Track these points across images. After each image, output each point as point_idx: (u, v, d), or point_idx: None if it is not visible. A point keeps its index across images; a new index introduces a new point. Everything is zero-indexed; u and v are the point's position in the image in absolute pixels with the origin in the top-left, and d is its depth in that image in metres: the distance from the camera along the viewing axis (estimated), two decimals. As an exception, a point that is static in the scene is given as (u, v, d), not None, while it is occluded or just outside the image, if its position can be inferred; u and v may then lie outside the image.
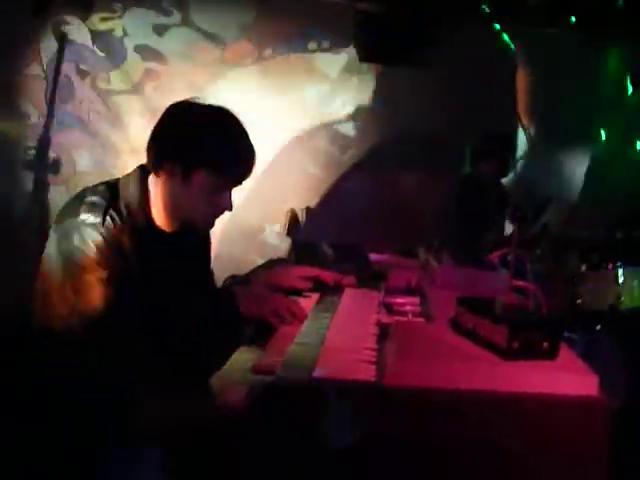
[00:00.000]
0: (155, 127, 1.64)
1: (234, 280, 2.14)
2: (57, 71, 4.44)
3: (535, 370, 1.17)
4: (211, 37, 4.73)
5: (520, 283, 1.80)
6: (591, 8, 4.92)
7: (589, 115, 5.47)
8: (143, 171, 1.66)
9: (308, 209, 4.63)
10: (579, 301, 3.75)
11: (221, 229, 4.55)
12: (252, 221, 4.85)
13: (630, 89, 5.44)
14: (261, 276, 2.10)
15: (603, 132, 5.53)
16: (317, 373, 1.27)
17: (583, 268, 3.88)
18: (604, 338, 3.54)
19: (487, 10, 4.87)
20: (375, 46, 4.29)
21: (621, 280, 3.69)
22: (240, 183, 1.72)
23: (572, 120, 5.30)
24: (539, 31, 5.16)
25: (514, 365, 1.18)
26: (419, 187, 4.93)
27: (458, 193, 4.10)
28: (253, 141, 1.68)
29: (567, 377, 1.16)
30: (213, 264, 2.03)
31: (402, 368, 1.19)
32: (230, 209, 1.72)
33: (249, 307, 1.78)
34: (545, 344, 1.18)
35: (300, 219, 4.41)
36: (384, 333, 1.48)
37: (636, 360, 3.37)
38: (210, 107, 1.68)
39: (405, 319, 1.57)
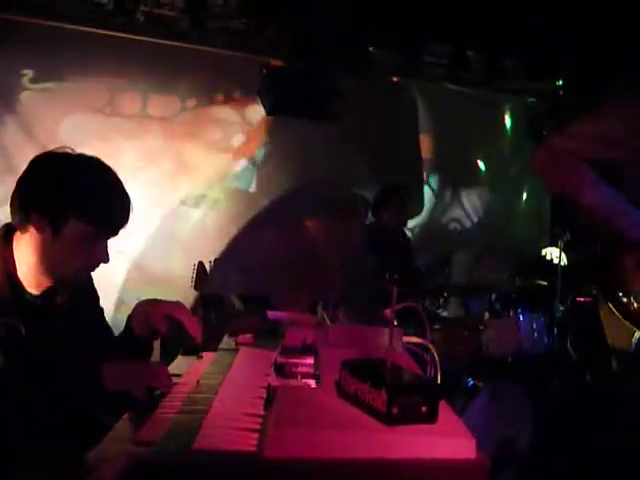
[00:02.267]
0: (20, 180, 1.58)
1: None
2: None
3: (415, 435, 1.16)
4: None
5: (413, 339, 1.82)
6: (489, 65, 5.19)
7: (490, 166, 5.72)
8: (7, 230, 1.59)
9: (216, 261, 4.57)
10: (483, 347, 3.83)
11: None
12: (159, 272, 4.75)
13: (529, 141, 5.73)
14: (137, 308, 1.95)
15: (503, 183, 5.79)
16: (196, 444, 1.22)
17: (487, 316, 3.98)
18: (509, 385, 3.60)
19: (391, 64, 5.04)
20: (281, 99, 4.35)
21: (522, 326, 3.81)
22: (116, 233, 1.68)
23: (474, 171, 5.53)
24: (440, 86, 5.38)
25: (396, 431, 1.17)
26: (324, 237, 4.98)
27: (360, 243, 4.18)
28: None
29: (445, 441, 1.16)
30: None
31: (283, 437, 1.16)
32: (106, 261, 1.67)
33: (118, 384, 1.66)
34: (424, 408, 1.18)
35: (207, 271, 4.32)
36: (272, 397, 1.44)
37: (540, 406, 3.46)
38: (80, 156, 1.64)
39: (293, 382, 1.53)
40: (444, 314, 3.96)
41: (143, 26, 4.13)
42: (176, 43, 4.32)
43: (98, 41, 4.35)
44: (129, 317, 1.85)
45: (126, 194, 1.66)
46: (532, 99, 5.67)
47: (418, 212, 4.91)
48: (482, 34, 4.62)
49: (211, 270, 4.56)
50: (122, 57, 4.40)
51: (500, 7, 4.30)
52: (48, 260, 1.57)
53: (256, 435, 1.26)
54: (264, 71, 4.24)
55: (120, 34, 4.20)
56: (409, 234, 4.74)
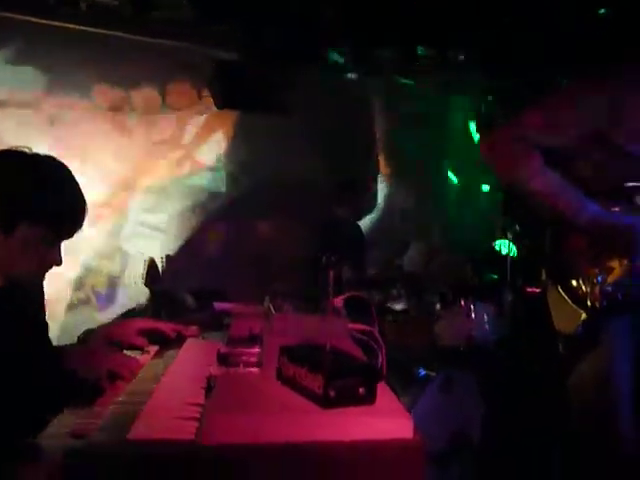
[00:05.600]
0: None
1: (85, 335, 2.04)
2: None
3: (351, 417, 1.16)
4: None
5: (359, 326, 1.82)
6: (440, 60, 5.24)
7: (442, 161, 5.79)
8: None
9: (168, 257, 4.52)
10: (436, 338, 3.87)
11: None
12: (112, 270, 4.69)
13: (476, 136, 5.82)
14: (100, 332, 2.00)
15: (455, 178, 5.86)
16: (132, 434, 1.20)
17: (438, 306, 4.02)
18: (460, 373, 3.65)
19: (342, 59, 5.05)
20: (231, 93, 4.31)
21: (473, 315, 3.86)
22: (70, 236, 1.65)
23: (427, 166, 5.58)
24: (392, 81, 5.41)
25: (333, 413, 1.17)
26: (279, 233, 4.97)
27: (315, 237, 4.18)
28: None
29: (382, 421, 1.16)
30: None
31: (218, 424, 1.15)
32: (59, 263, 1.64)
33: (79, 367, 1.67)
34: (361, 390, 1.18)
35: (159, 268, 4.27)
36: (213, 386, 1.43)
37: (491, 394, 3.51)
38: (35, 156, 1.60)
39: (235, 370, 1.52)
40: (397, 306, 3.99)
41: (87, 16, 4.03)
42: (120, 33, 4.24)
43: (42, 30, 4.25)
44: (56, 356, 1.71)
45: (81, 196, 1.63)
46: (484, 94, 5.75)
47: (372, 207, 4.92)
48: (433, 30, 4.66)
49: (163, 266, 4.53)
50: (66, 47, 4.29)
51: (451, 3, 4.35)
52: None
53: (195, 424, 1.25)
54: (214, 64, 4.20)
55: (63, 24, 4.09)
56: (363, 228, 4.75)
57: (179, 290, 4.08)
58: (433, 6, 4.35)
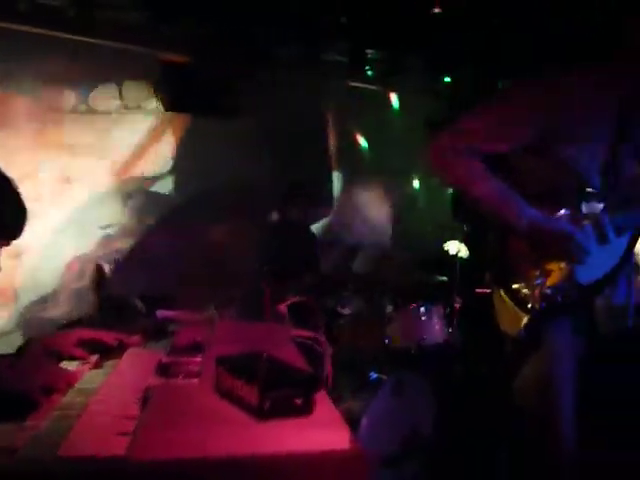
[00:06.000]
0: None
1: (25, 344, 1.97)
2: None
3: (287, 429, 1.14)
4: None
5: (302, 333, 1.80)
6: (388, 62, 5.27)
7: (397, 162, 5.81)
8: None
9: (117, 261, 4.44)
10: (387, 341, 3.88)
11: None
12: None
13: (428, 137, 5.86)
14: (37, 343, 1.94)
15: (405, 179, 5.90)
16: (62, 451, 1.16)
17: (389, 309, 4.04)
18: (412, 375, 3.66)
19: (291, 61, 5.03)
20: (179, 95, 4.26)
21: (423, 318, 3.89)
22: (7, 243, 1.59)
23: (376, 168, 5.60)
24: (343, 83, 5.42)
25: (269, 425, 1.15)
26: (230, 237, 4.93)
27: (265, 240, 4.15)
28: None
29: (317, 433, 1.15)
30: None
31: (151, 439, 1.12)
32: None
33: (11, 380, 1.61)
34: (298, 400, 1.16)
35: (106, 272, 4.19)
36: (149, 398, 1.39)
37: (442, 395, 3.54)
38: None
39: (173, 381, 1.49)
40: (347, 310, 3.99)
41: (27, 16, 3.92)
42: (63, 34, 4.13)
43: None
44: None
45: (21, 204, 1.58)
46: (436, 96, 5.81)
47: (328, 210, 4.91)
48: (380, 32, 4.68)
49: (111, 271, 4.45)
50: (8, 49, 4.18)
51: (397, 5, 4.37)
52: None
53: (128, 438, 1.21)
54: (161, 67, 4.14)
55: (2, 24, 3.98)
56: (314, 230, 4.74)
57: (128, 295, 3.99)
58: (380, 8, 4.37)
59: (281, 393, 1.15)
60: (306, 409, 1.18)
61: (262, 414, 1.14)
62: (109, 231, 4.79)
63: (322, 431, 1.16)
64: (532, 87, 2.12)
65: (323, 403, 1.25)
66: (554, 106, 2.04)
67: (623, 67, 2.08)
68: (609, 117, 2.07)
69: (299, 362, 1.57)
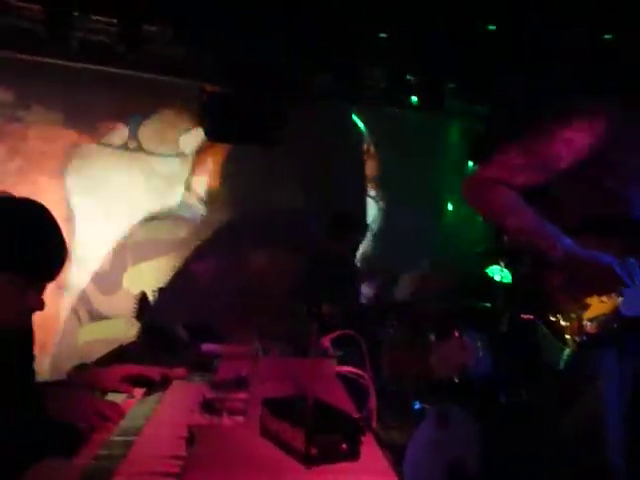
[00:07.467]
0: None
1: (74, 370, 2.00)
2: None
3: (337, 475, 1.13)
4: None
5: (346, 369, 1.78)
6: (428, 88, 5.26)
7: (436, 188, 5.78)
8: None
9: (160, 290, 4.48)
10: (431, 370, 3.82)
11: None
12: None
13: (470, 163, 5.82)
14: (82, 377, 1.96)
15: (450, 205, 5.85)
16: (110, 494, 1.16)
17: (432, 338, 3.98)
18: (456, 407, 3.60)
19: (333, 90, 5.05)
20: (223, 125, 4.31)
21: (467, 346, 3.82)
22: (51, 279, 1.59)
23: (421, 193, 5.57)
24: (383, 110, 5.42)
25: (317, 471, 1.13)
26: (272, 267, 4.93)
27: (308, 272, 4.12)
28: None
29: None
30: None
31: (199, 482, 1.11)
32: (41, 308, 1.58)
33: (59, 411, 1.63)
34: (344, 446, 1.14)
35: (150, 301, 4.24)
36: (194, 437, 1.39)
37: (486, 426, 3.47)
38: (11, 201, 1.56)
39: (217, 420, 1.48)
40: (390, 339, 3.94)
41: (77, 52, 4.05)
42: (112, 69, 4.24)
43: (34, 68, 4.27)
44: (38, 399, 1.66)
45: (58, 241, 1.56)
46: (473, 121, 5.78)
47: (364, 237, 4.87)
48: (421, 57, 4.68)
49: (155, 299, 4.49)
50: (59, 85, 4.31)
51: (438, 31, 4.37)
52: None
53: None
54: (204, 97, 4.20)
55: (54, 60, 4.11)
56: (356, 260, 4.70)
57: (171, 324, 4.02)
58: (421, 34, 4.38)
59: (328, 438, 1.14)
60: (353, 454, 1.16)
61: (309, 460, 1.13)
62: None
63: (370, 478, 1.14)
64: (569, 120, 2.09)
65: (370, 448, 1.23)
66: (596, 140, 2.02)
67: None
68: None
69: (344, 401, 1.55)
